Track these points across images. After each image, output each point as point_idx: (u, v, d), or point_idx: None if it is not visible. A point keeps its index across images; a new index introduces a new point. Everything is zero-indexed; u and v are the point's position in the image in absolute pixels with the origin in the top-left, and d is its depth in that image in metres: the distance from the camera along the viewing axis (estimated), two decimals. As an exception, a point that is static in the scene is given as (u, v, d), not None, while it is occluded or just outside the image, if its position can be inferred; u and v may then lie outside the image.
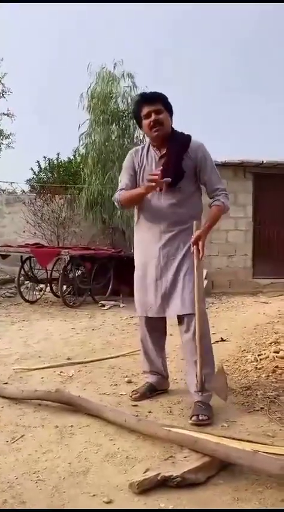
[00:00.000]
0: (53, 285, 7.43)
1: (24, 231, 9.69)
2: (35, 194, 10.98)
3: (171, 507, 1.56)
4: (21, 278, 7.14)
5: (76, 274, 7.01)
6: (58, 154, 15.30)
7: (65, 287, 6.96)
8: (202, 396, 2.38)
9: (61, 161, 15.23)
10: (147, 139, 2.73)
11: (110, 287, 7.32)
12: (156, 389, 2.69)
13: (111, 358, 3.57)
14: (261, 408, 2.45)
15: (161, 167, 2.44)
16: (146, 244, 2.61)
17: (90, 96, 10.47)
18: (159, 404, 2.54)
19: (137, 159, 2.65)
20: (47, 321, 5.49)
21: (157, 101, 2.52)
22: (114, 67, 10.59)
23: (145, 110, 2.52)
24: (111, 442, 2.06)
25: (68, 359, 3.54)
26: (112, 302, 6.88)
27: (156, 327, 2.67)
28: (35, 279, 7.32)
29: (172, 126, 2.59)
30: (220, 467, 1.77)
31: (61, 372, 3.16)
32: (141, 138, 10.73)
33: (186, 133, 2.60)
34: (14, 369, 3.21)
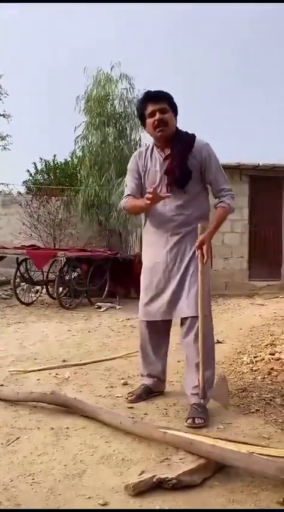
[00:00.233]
0: (49, 286, 7.42)
1: (20, 233, 9.69)
2: (31, 196, 10.98)
3: (166, 509, 1.56)
4: (17, 280, 7.12)
5: (73, 276, 7.01)
6: (55, 156, 15.32)
7: (61, 289, 6.95)
8: (199, 399, 2.37)
9: (58, 163, 15.24)
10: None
11: (106, 289, 7.32)
12: (152, 392, 2.68)
13: (107, 360, 3.56)
14: (257, 410, 2.45)
15: (168, 194, 2.41)
16: (153, 247, 2.58)
17: (87, 98, 10.49)
18: (155, 406, 2.54)
19: (141, 162, 2.60)
20: (43, 322, 5.47)
21: (163, 100, 2.47)
22: (111, 69, 10.63)
23: (149, 109, 2.47)
24: (106, 444, 2.06)
25: (64, 361, 3.53)
26: (109, 304, 6.87)
27: (159, 330, 2.62)
28: (31, 280, 7.30)
29: (177, 126, 2.54)
30: (215, 469, 1.77)
31: (57, 374, 3.15)
32: (138, 140, 10.77)
33: (190, 132, 2.55)
34: (9, 371, 3.20)
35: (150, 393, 2.67)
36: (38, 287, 7.56)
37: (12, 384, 2.94)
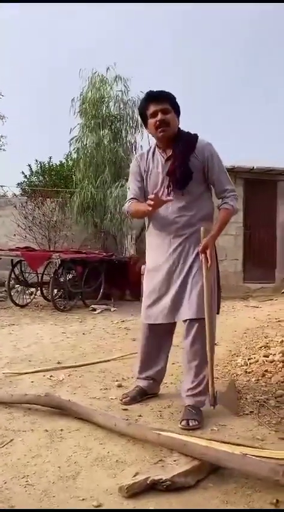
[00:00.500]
0: (43, 288, 7.42)
1: (15, 235, 9.65)
2: (26, 197, 10.96)
3: (160, 509, 1.56)
4: (12, 282, 7.10)
5: (67, 278, 7.01)
6: (50, 158, 15.31)
7: (55, 291, 6.94)
8: (193, 400, 2.38)
9: (53, 165, 15.23)
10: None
11: (101, 291, 7.33)
12: (147, 393, 2.68)
13: (102, 362, 3.56)
14: (250, 412, 2.46)
15: (170, 198, 2.39)
16: (156, 250, 2.56)
17: (82, 100, 10.49)
18: (149, 408, 2.54)
19: (143, 164, 2.59)
20: (37, 324, 5.46)
21: (165, 100, 2.44)
22: (107, 71, 10.64)
23: (151, 109, 2.45)
24: (100, 446, 2.06)
25: (58, 363, 3.53)
26: (104, 306, 6.87)
27: (161, 333, 2.60)
28: (25, 282, 7.28)
29: (179, 126, 2.52)
30: (209, 470, 1.77)
31: (51, 376, 3.14)
32: (133, 142, 10.78)
33: (192, 132, 2.53)
34: (3, 373, 3.19)
35: (144, 395, 2.66)
36: (33, 289, 7.54)
37: (6, 385, 2.93)
